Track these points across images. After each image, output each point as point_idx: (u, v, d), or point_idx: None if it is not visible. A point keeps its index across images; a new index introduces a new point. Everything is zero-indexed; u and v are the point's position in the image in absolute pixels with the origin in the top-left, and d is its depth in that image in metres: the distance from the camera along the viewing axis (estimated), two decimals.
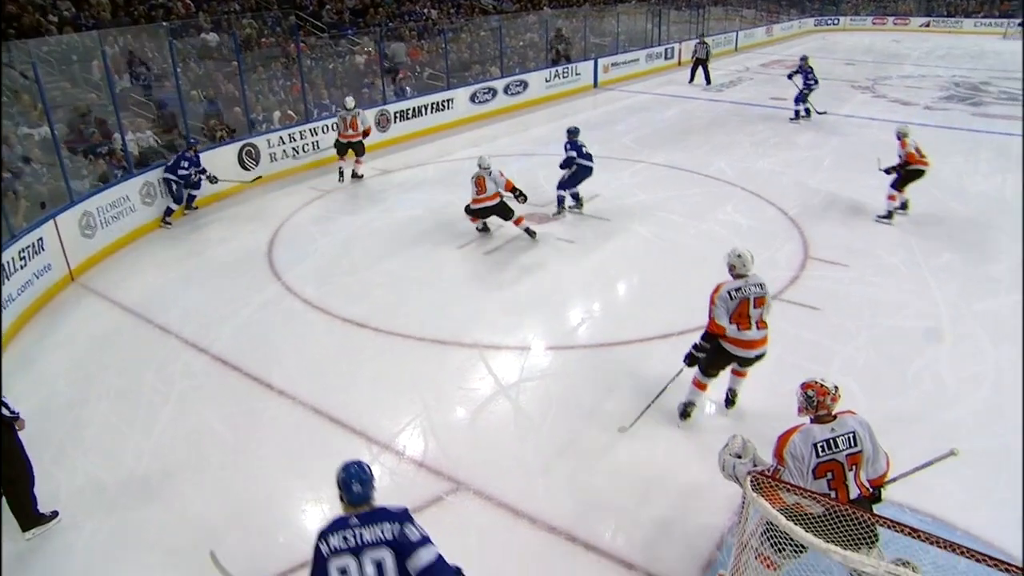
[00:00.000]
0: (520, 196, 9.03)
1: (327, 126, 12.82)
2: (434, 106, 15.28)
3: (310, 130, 12.59)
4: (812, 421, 3.70)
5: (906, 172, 9.53)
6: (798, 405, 3.76)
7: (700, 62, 20.72)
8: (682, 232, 9.20)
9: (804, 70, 15.73)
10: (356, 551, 2.93)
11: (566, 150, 9.86)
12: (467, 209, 9.18)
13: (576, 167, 9.85)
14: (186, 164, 10.24)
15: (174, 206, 10.32)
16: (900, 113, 16.64)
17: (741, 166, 12.37)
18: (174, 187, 10.23)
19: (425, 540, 2.98)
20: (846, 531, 3.22)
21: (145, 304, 7.81)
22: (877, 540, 3.39)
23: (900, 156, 9.51)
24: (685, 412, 5.67)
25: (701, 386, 5.59)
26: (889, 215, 9.69)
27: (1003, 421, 5.59)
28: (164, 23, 13.97)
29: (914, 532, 2.94)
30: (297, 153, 12.39)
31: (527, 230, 9.16)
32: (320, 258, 8.89)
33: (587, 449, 5.38)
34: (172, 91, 11.27)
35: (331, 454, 5.33)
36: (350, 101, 11.93)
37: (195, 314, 7.54)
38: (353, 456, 3.30)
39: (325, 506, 4.81)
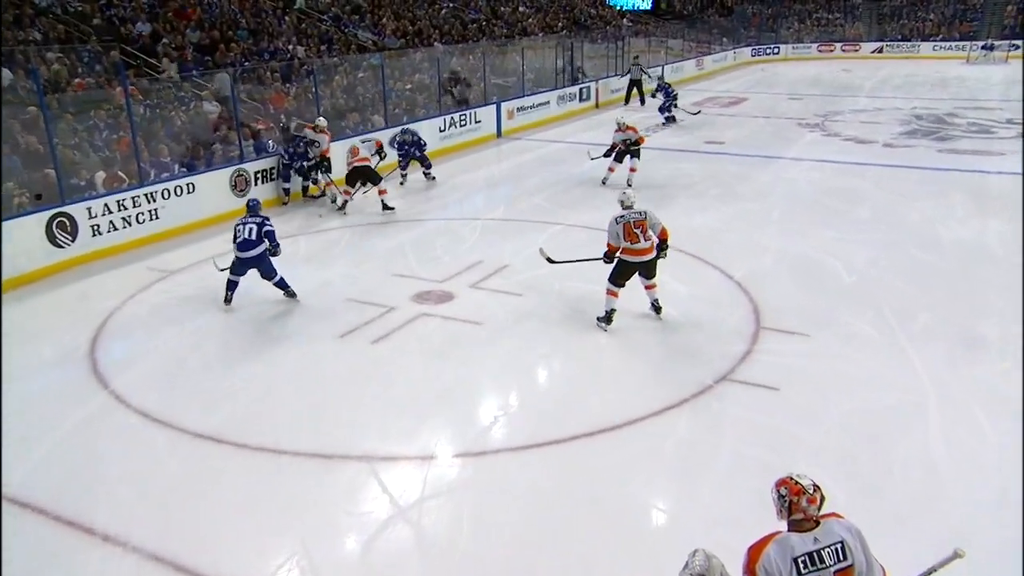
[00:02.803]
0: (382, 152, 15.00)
1: (167, 190, 12.58)
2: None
3: (146, 195, 12.21)
4: (789, 528, 3.69)
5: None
6: (775, 507, 3.76)
7: (635, 83, 24.18)
8: None
9: (663, 87, 22.15)
10: (243, 224, 9.52)
11: (394, 147, 15.94)
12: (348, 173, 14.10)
13: (406, 154, 15.96)
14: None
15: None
16: (856, 153, 17.60)
17: (676, 224, 12.65)
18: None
19: (271, 227, 9.60)
20: None
21: None
22: None
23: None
24: (608, 318, 8.72)
25: (613, 293, 8.68)
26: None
27: (1011, 509, 5.71)
28: None
29: None
30: (129, 224, 11.97)
31: (384, 203, 14.03)
32: (162, 358, 8.52)
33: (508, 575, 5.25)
34: None
35: None
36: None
37: None
38: None
39: None
